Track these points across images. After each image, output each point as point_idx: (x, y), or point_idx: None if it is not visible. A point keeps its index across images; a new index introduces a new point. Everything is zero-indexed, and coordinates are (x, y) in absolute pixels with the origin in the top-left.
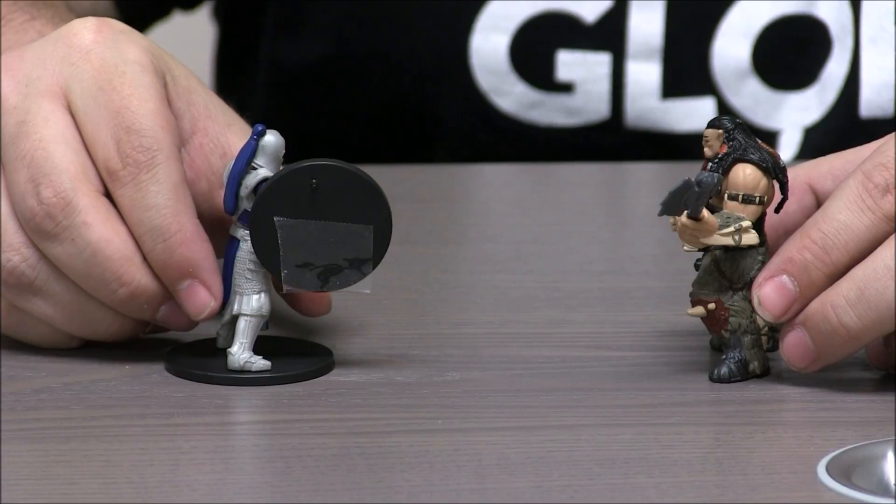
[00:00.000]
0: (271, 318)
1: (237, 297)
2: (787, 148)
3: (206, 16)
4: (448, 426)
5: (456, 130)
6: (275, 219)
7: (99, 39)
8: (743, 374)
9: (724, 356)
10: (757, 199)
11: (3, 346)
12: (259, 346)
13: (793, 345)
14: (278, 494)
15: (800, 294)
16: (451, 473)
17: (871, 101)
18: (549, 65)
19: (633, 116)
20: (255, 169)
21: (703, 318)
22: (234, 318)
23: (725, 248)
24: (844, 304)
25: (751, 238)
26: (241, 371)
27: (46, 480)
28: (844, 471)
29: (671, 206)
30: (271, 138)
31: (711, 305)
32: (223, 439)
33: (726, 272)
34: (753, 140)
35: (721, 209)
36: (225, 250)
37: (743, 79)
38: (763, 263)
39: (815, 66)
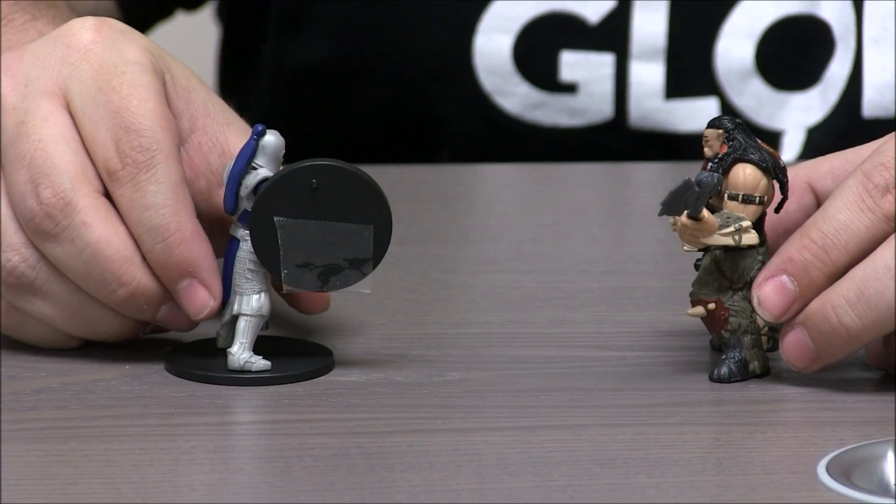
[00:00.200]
0: (271, 318)
1: (237, 297)
2: (791, 148)
3: (209, 16)
4: (448, 426)
5: (459, 131)
6: (275, 219)
7: (98, 39)
8: (743, 374)
9: (724, 356)
10: (757, 199)
11: (3, 346)
12: (259, 346)
13: (793, 345)
14: (278, 494)
15: (800, 294)
16: (451, 473)
17: (874, 102)
18: (553, 65)
19: (636, 117)
20: (255, 169)
21: (703, 318)
22: (234, 318)
23: (725, 248)
24: (844, 304)
25: (751, 238)
26: (241, 371)
27: (46, 480)
28: (844, 471)
29: (671, 206)
30: (271, 138)
31: (711, 305)
32: (223, 439)
33: (726, 272)
34: (753, 140)
35: (721, 209)
36: (225, 250)
37: (746, 79)
38: (763, 263)
39: (818, 66)
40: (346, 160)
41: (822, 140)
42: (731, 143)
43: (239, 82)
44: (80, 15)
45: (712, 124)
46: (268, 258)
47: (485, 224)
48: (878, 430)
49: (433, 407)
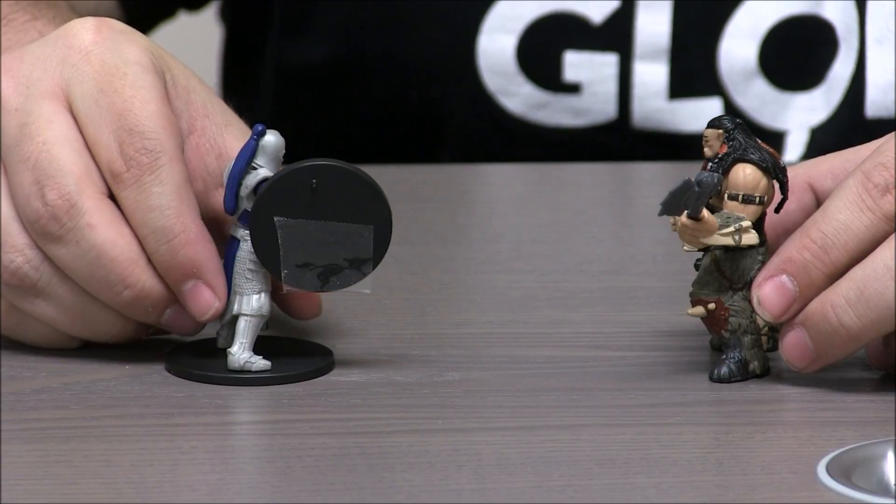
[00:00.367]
0: (271, 318)
1: (237, 297)
2: (794, 148)
3: (212, 16)
4: (448, 426)
5: (463, 131)
6: (275, 219)
7: (98, 40)
8: (743, 374)
9: (724, 356)
10: (757, 199)
11: (3, 346)
12: (259, 346)
13: (792, 345)
14: (278, 494)
15: (799, 294)
16: (451, 473)
17: (877, 102)
18: (556, 65)
19: (640, 117)
20: (255, 169)
21: (703, 318)
22: (235, 318)
23: (725, 248)
24: (844, 303)
25: (751, 238)
26: (241, 371)
27: (46, 480)
28: (844, 471)
29: (671, 206)
30: (271, 138)
31: (711, 305)
32: (223, 439)
33: (726, 272)
34: (753, 140)
35: (721, 209)
36: (225, 250)
37: (750, 79)
38: (763, 263)
39: (821, 66)
40: (348, 160)
41: (825, 140)
42: (731, 143)
43: (242, 82)
44: (80, 15)
45: (712, 124)
46: (268, 258)
47: (485, 224)
48: (878, 430)
49: (433, 407)
